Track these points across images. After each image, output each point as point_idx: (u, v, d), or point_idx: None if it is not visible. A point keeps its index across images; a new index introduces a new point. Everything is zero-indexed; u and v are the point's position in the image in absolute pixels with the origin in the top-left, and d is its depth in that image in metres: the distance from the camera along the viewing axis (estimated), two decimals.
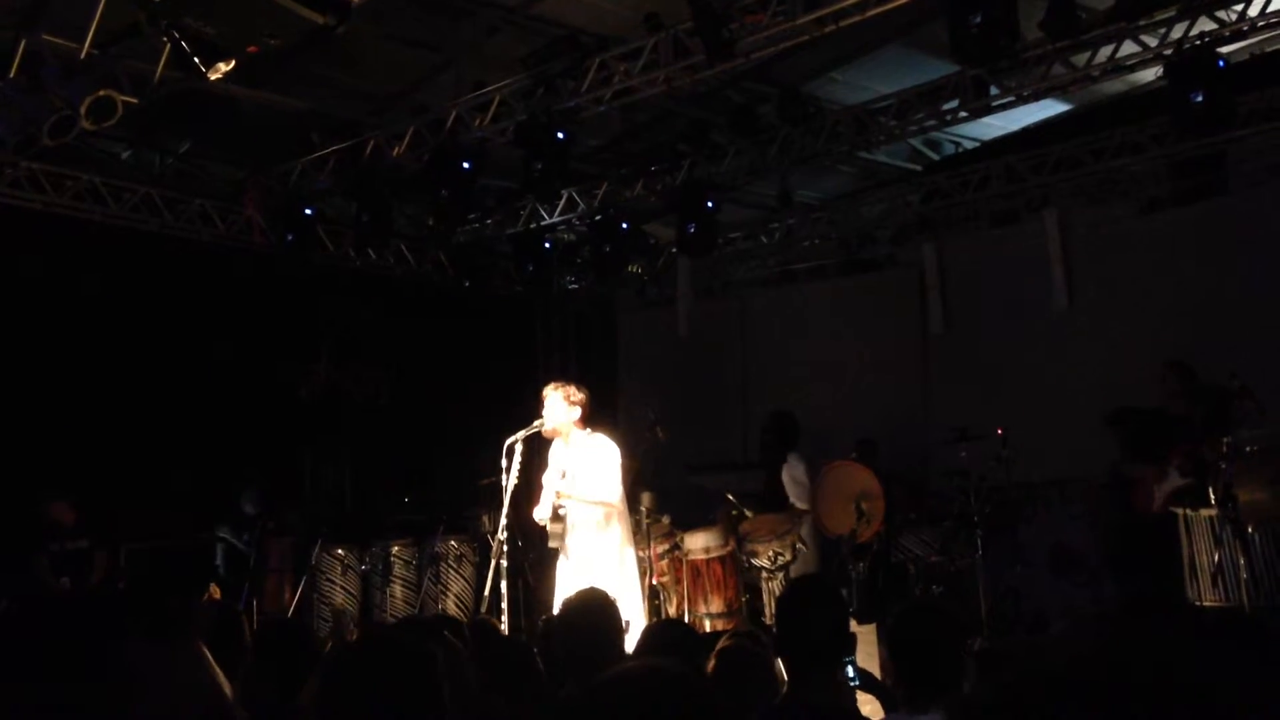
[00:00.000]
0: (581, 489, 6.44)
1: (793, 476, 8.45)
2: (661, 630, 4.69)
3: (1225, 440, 6.13)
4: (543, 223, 10.82)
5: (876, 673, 6.20)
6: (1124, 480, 7.60)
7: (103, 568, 8.75)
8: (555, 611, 5.51)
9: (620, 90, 7.96)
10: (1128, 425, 8.06)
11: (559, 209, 10.64)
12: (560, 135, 8.19)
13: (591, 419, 6.72)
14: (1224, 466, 6.07)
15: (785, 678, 3.82)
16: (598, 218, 10.46)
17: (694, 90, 8.67)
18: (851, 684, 3.88)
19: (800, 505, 8.26)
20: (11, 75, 6.87)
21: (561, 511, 6.44)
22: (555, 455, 6.70)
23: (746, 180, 10.34)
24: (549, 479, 6.67)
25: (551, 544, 6.49)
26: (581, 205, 10.49)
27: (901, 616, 3.48)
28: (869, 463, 8.51)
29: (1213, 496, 6.19)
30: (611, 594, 4.06)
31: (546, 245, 11.15)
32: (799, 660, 3.53)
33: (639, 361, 12.76)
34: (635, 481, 7.64)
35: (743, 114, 9.19)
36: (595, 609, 3.79)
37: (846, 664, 3.69)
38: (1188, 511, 6.46)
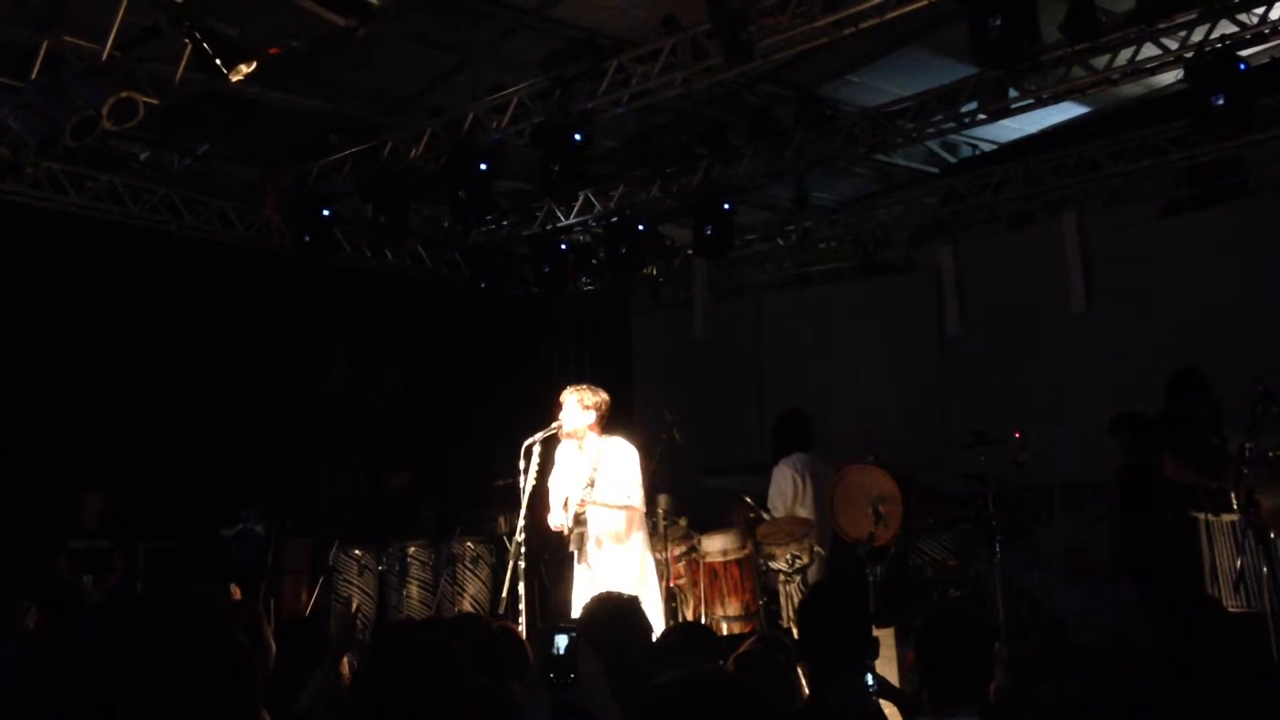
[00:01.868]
0: (603, 493, 6.40)
1: (776, 481, 8.26)
2: (681, 633, 4.69)
3: (1247, 445, 6.09)
4: (559, 224, 10.83)
5: (894, 677, 6.20)
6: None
7: (121, 567, 8.80)
8: (576, 615, 5.49)
9: (638, 92, 7.97)
10: (1132, 430, 8.01)
11: (575, 210, 10.64)
12: (577, 137, 8.20)
13: (608, 422, 6.68)
14: (1246, 471, 6.04)
15: (806, 683, 3.82)
16: (614, 219, 10.47)
17: (711, 92, 8.66)
18: (870, 690, 3.87)
19: (774, 512, 8.09)
20: (33, 76, 6.91)
21: (583, 517, 6.41)
22: (565, 458, 6.67)
23: (763, 182, 10.34)
24: (555, 482, 6.62)
25: (570, 548, 6.47)
26: (598, 207, 10.49)
27: (931, 620, 3.47)
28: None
29: (1235, 502, 6.15)
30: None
31: (562, 247, 11.16)
32: (821, 666, 3.53)
33: (654, 363, 12.75)
34: (652, 484, 7.60)
35: (760, 116, 9.18)
36: (620, 611, 3.79)
37: (865, 671, 3.68)
38: (1209, 516, 6.43)
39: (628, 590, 5.80)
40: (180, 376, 9.71)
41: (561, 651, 3.01)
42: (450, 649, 2.45)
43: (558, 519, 6.49)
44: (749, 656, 4.12)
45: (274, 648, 3.80)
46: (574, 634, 3.10)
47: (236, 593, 7.13)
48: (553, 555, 8.37)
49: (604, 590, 4.47)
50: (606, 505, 6.42)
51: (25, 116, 6.90)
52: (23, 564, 8.23)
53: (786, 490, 8.07)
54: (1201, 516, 6.50)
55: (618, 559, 6.46)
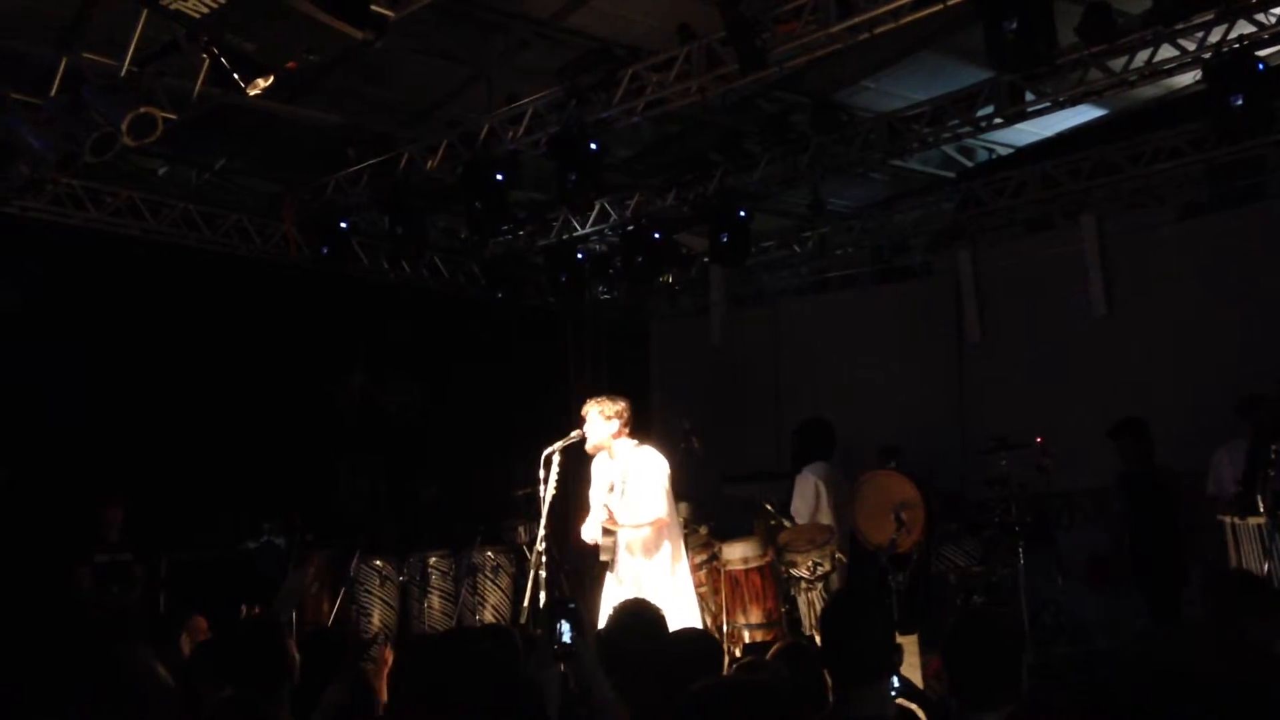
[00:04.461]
0: (629, 507, 6.36)
1: (800, 490, 8.24)
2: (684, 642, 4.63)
3: (1273, 448, 6.04)
4: (575, 234, 10.84)
5: (918, 683, 6.16)
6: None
7: (143, 581, 8.83)
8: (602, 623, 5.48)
9: (652, 101, 7.97)
10: (1134, 435, 7.89)
11: (591, 220, 10.66)
12: (593, 146, 8.21)
13: (635, 429, 6.64)
14: (1272, 474, 5.99)
15: (830, 691, 3.79)
16: (630, 228, 10.47)
17: (725, 100, 8.66)
18: (893, 692, 3.86)
19: (798, 520, 8.07)
20: (53, 93, 6.96)
21: (611, 526, 6.38)
22: (599, 469, 6.64)
23: (779, 189, 10.32)
24: (595, 498, 6.59)
25: (603, 558, 6.45)
26: (614, 216, 10.50)
27: (959, 626, 3.44)
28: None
29: (1261, 505, 6.11)
30: (664, 609, 4.04)
31: (579, 256, 11.16)
32: (844, 674, 3.51)
33: (672, 371, 12.74)
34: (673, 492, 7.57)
35: (775, 123, 9.17)
36: (642, 619, 3.79)
37: (890, 678, 3.67)
38: (1235, 520, 6.38)
39: (657, 594, 5.80)
40: (200, 389, 9.76)
41: (567, 632, 3.39)
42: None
43: (589, 532, 6.45)
44: (769, 665, 4.11)
45: (297, 658, 3.82)
46: (575, 611, 3.49)
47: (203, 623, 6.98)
48: (573, 565, 8.37)
49: (629, 599, 4.47)
50: (631, 525, 6.38)
51: (45, 133, 6.95)
52: (47, 577, 8.28)
53: (809, 499, 8.05)
54: (1228, 520, 6.46)
55: (647, 569, 6.43)
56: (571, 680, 3.69)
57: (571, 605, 3.65)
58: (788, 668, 4.16)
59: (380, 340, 11.10)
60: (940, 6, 6.65)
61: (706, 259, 11.21)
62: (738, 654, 6.94)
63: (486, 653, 2.80)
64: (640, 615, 3.84)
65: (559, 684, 3.72)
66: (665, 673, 3.84)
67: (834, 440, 8.60)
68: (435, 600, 9.14)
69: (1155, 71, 7.95)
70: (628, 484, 6.41)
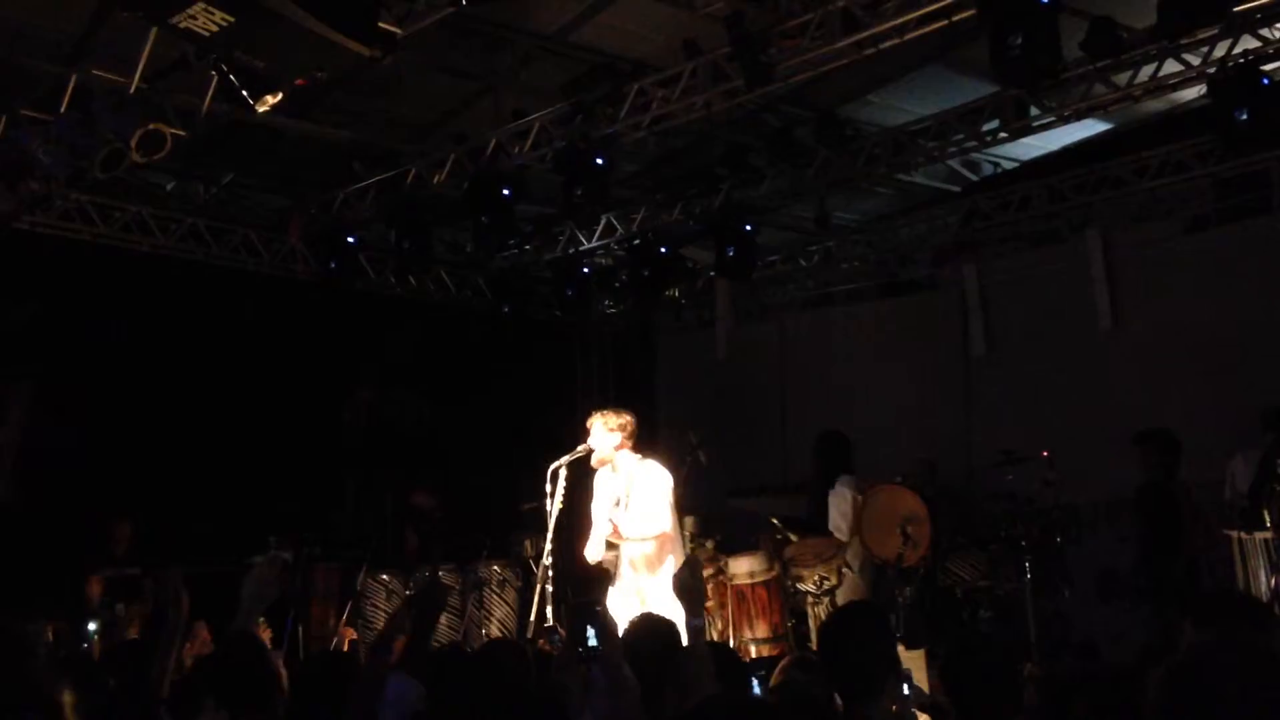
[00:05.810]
0: (633, 520, 6.35)
1: (836, 506, 8.21)
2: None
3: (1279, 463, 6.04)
4: (581, 248, 10.88)
5: None
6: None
7: (150, 595, 8.83)
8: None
9: (658, 116, 8.00)
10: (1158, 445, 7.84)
11: (597, 234, 10.69)
12: (599, 161, 8.24)
13: (639, 442, 6.63)
14: (1278, 489, 5.98)
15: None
16: (636, 242, 10.50)
17: (731, 114, 8.69)
18: (905, 698, 3.86)
19: (839, 536, 8.05)
20: (63, 109, 7.01)
21: (615, 540, 6.37)
22: (602, 483, 6.63)
23: (784, 203, 10.35)
24: (598, 511, 6.56)
25: (606, 567, 6.44)
26: (620, 230, 10.53)
27: (954, 650, 3.46)
28: (926, 483, 8.39)
29: (1268, 519, 6.10)
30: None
31: (585, 270, 11.19)
32: (845, 687, 3.52)
33: (678, 385, 12.75)
34: (678, 506, 7.55)
35: (780, 137, 9.19)
36: (658, 634, 3.80)
37: (898, 685, 3.67)
38: (1242, 535, 6.37)
39: (662, 613, 5.78)
40: (207, 403, 9.77)
41: (593, 635, 3.55)
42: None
43: (593, 552, 6.42)
44: (787, 688, 4.11)
45: (284, 675, 3.77)
46: (602, 613, 3.54)
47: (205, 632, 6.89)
48: (580, 579, 8.35)
49: (643, 613, 4.48)
50: (636, 539, 6.36)
51: (54, 149, 7.00)
52: (56, 585, 8.29)
53: (848, 511, 8.01)
54: (1234, 534, 6.44)
55: (650, 584, 6.42)
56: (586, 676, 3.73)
57: (597, 608, 3.70)
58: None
59: (387, 354, 11.11)
60: (945, 22, 6.68)
61: (712, 273, 11.22)
62: None
63: (503, 667, 2.82)
64: (655, 630, 3.85)
65: (582, 686, 3.75)
66: (683, 686, 3.85)
67: (853, 453, 8.58)
68: (441, 614, 9.12)
69: (1160, 86, 7.98)
70: (631, 497, 6.39)
